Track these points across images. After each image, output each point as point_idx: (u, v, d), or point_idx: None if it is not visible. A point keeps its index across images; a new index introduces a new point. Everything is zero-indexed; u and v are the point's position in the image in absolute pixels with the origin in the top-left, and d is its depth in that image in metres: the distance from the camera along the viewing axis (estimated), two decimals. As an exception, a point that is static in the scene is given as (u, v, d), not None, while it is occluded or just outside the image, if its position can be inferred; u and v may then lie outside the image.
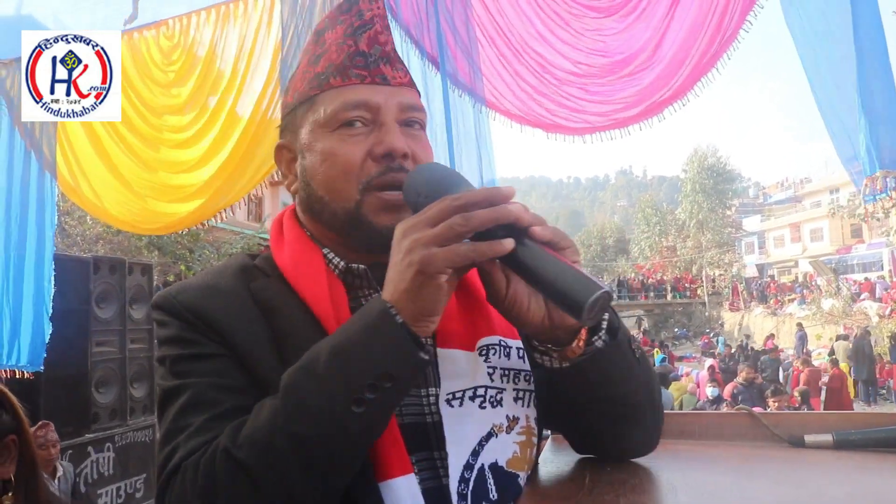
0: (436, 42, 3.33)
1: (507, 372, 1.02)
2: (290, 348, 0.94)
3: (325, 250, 1.06)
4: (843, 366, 16.58)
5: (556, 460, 1.21)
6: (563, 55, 3.37)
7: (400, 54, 1.18)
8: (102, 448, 5.88)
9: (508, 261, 0.85)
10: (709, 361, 17.53)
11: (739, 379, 11.18)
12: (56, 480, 4.79)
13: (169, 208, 4.29)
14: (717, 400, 10.96)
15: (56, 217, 4.57)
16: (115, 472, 6.02)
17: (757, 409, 1.42)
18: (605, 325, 0.94)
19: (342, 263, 1.05)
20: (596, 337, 0.93)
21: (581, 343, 0.93)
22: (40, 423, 4.61)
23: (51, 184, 4.37)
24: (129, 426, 6.13)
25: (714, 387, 11.35)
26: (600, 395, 0.99)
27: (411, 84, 1.08)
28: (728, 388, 11.27)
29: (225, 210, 4.16)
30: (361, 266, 1.03)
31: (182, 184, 4.17)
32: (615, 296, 42.35)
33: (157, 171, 4.21)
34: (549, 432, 1.28)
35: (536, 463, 1.12)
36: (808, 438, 1.26)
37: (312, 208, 1.06)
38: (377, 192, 0.99)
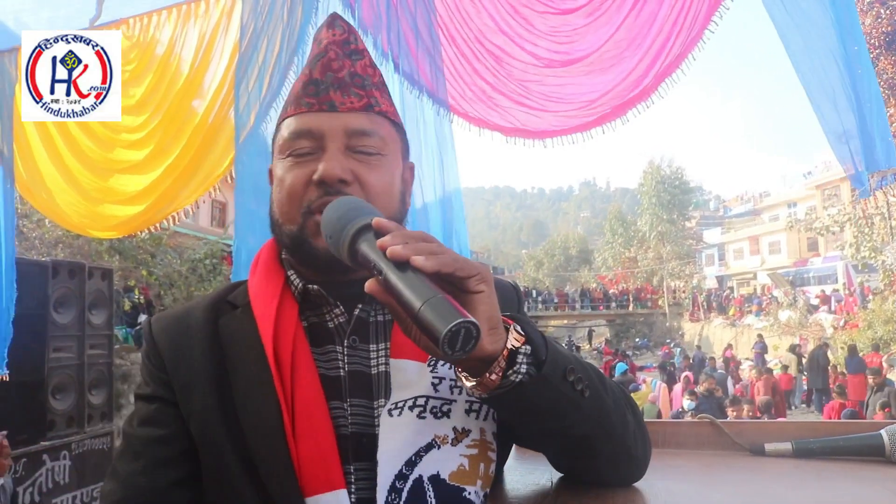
0: (395, 40, 3.21)
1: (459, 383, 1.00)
2: (239, 379, 1.01)
3: (290, 272, 1.10)
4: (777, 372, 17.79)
5: (519, 468, 1.22)
6: (523, 48, 3.23)
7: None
8: (58, 456, 5.71)
9: (390, 292, 0.82)
10: (683, 373, 17.64)
11: (700, 389, 11.37)
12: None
13: (118, 210, 4.17)
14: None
15: (15, 220, 4.45)
16: (70, 480, 5.86)
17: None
18: (522, 358, 0.88)
19: (300, 284, 1.08)
20: (512, 371, 0.88)
21: (496, 376, 0.87)
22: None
23: (10, 185, 4.25)
24: (87, 433, 5.95)
25: (691, 400, 11.37)
26: (535, 428, 0.97)
27: (366, 108, 1.07)
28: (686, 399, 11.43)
29: (188, 215, 4.08)
30: (314, 287, 1.06)
31: (133, 184, 4.07)
32: (577, 305, 42.76)
33: (110, 171, 4.11)
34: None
35: (501, 473, 1.13)
36: (769, 447, 1.29)
37: (274, 230, 1.11)
38: (315, 217, 1.02)
